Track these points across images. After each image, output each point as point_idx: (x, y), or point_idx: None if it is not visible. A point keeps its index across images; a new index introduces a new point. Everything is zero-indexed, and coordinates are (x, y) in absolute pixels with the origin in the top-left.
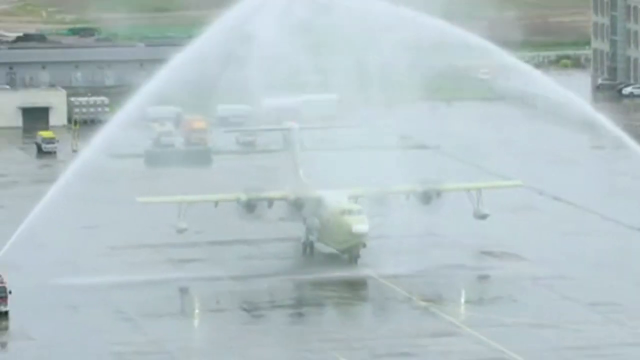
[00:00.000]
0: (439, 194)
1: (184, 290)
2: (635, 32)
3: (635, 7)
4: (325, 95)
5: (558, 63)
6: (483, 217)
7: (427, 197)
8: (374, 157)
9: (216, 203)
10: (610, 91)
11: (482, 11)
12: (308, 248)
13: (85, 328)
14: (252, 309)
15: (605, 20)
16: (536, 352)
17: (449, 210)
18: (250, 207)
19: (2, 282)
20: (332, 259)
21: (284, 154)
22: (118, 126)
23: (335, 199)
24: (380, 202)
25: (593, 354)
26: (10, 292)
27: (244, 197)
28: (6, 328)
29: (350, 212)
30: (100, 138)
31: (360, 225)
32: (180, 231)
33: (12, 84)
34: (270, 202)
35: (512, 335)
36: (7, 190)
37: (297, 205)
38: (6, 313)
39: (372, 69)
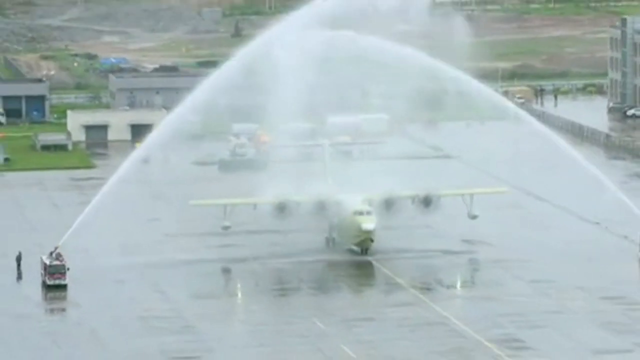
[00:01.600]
0: (438, 198)
1: (213, 270)
2: None
3: None
4: (378, 114)
5: (585, 90)
6: (474, 217)
7: (428, 201)
8: (401, 165)
9: (255, 205)
10: (618, 113)
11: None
12: (330, 242)
13: (122, 298)
14: (261, 286)
15: (618, 55)
16: (474, 319)
17: (447, 211)
18: (281, 208)
19: (61, 261)
20: (347, 251)
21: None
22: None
23: (351, 201)
24: (388, 205)
25: (518, 319)
26: (68, 269)
27: (276, 200)
28: (64, 297)
29: (361, 212)
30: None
31: (368, 224)
32: (225, 228)
33: (132, 106)
34: (298, 204)
35: (460, 306)
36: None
37: (321, 207)
38: (65, 286)
39: (416, 94)
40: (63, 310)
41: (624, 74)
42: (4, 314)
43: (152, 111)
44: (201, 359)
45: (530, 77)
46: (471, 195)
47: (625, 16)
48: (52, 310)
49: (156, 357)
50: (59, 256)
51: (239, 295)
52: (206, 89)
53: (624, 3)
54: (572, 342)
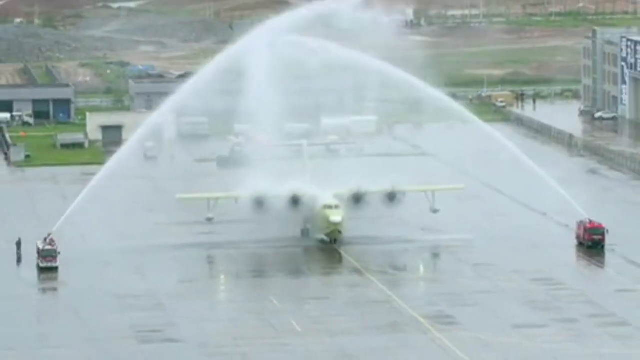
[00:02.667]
0: (402, 193)
1: (194, 255)
2: (609, 72)
3: (609, 54)
4: (367, 117)
5: (562, 95)
6: (435, 211)
7: (393, 196)
8: (380, 162)
9: (236, 199)
10: (588, 115)
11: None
12: (305, 233)
13: (106, 279)
14: (235, 269)
15: (590, 63)
16: (414, 298)
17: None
18: (259, 202)
19: (53, 246)
20: (319, 241)
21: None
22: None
23: (322, 196)
24: (357, 200)
25: (453, 298)
26: (59, 253)
27: (255, 194)
28: (55, 278)
29: (330, 206)
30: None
31: (336, 217)
32: (209, 220)
33: (149, 108)
34: (275, 198)
35: (404, 286)
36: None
37: (296, 201)
38: (56, 268)
39: (403, 98)
40: (54, 289)
41: (594, 81)
42: (5, 291)
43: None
44: (163, 332)
45: (518, 84)
46: (433, 191)
47: (595, 27)
48: (43, 290)
49: (125, 331)
50: (51, 242)
51: (213, 277)
52: (184, 93)
53: (619, 16)
54: (496, 318)
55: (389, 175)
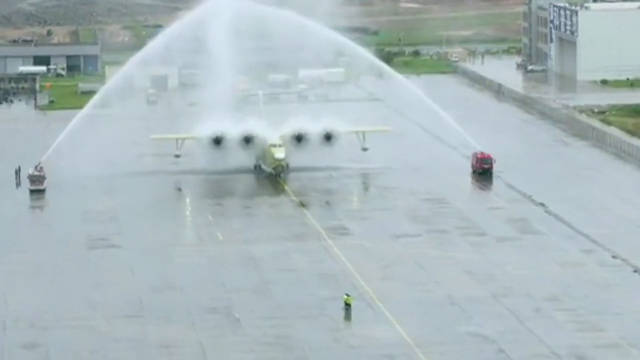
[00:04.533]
0: (338, 134)
1: (160, 181)
2: (541, 33)
3: (541, 17)
4: (337, 69)
5: (508, 51)
6: (365, 149)
7: (329, 136)
8: (337, 106)
9: (199, 139)
10: (523, 68)
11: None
12: (257, 167)
13: (81, 199)
14: (190, 193)
15: (527, 25)
16: (321, 214)
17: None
18: (217, 141)
19: (41, 172)
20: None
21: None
22: None
23: (269, 136)
24: (298, 139)
25: (352, 214)
26: (45, 178)
27: (213, 135)
28: (43, 199)
29: (274, 145)
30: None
31: (279, 154)
32: (177, 156)
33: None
34: (233, 138)
35: (317, 205)
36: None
37: (248, 141)
38: (43, 190)
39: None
40: (40, 207)
41: (530, 39)
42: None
43: (168, 67)
44: (109, 240)
45: (477, 42)
46: (363, 132)
47: None
48: (32, 207)
49: (79, 239)
50: (40, 169)
51: (168, 199)
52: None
53: None
54: (381, 229)
55: (336, 118)
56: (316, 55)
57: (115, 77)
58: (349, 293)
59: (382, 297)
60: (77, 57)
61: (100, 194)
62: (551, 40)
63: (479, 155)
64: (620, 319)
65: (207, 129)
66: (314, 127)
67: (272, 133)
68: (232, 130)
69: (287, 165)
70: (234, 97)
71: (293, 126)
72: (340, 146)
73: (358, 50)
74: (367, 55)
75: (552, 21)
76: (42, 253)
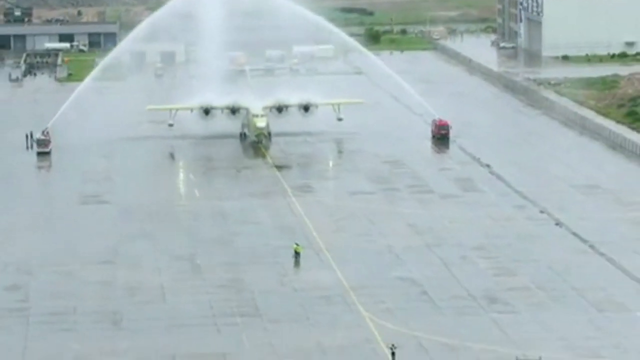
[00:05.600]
0: (315, 106)
1: (155, 145)
2: (512, 13)
3: (513, 0)
4: (327, 45)
5: (486, 30)
6: (340, 119)
7: (307, 107)
8: (323, 79)
9: (191, 109)
10: (496, 46)
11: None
12: (242, 136)
13: (81, 160)
14: (179, 156)
15: (501, 7)
16: (292, 175)
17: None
18: (206, 111)
19: (46, 137)
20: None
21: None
22: None
23: (252, 107)
24: (279, 110)
25: (317, 174)
26: (50, 142)
27: (203, 106)
28: (48, 160)
29: (256, 115)
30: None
31: (261, 123)
32: (170, 125)
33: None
34: (222, 109)
35: (290, 167)
36: None
37: (234, 111)
38: (49, 152)
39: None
40: (46, 167)
41: (503, 19)
42: (7, 169)
43: (176, 44)
44: (100, 197)
45: (462, 22)
46: (338, 104)
47: None
48: (38, 167)
49: (74, 196)
50: (47, 133)
51: (160, 160)
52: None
53: None
54: (341, 188)
55: (319, 90)
56: (304, 33)
57: (111, 53)
58: (298, 243)
59: (330, 247)
60: (98, 34)
61: (99, 156)
62: (520, 20)
63: (438, 122)
64: (534, 265)
65: (198, 100)
66: (293, 99)
67: (256, 104)
68: (220, 101)
69: (269, 134)
70: (228, 71)
71: (275, 98)
72: (318, 116)
73: (334, 29)
74: (342, 35)
75: (521, 3)
76: (39, 207)
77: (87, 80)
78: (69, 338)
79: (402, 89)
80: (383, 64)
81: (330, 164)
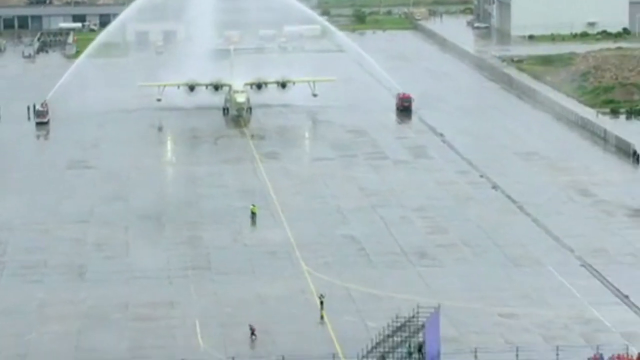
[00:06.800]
0: (292, 83)
1: (143, 116)
2: None
3: None
4: (314, 25)
5: (464, 11)
6: (315, 95)
7: (284, 84)
8: (306, 57)
9: (178, 86)
10: (472, 26)
11: None
12: (225, 110)
13: (74, 130)
14: (166, 127)
15: None
16: (263, 144)
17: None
18: (191, 88)
19: (44, 108)
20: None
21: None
22: None
23: (234, 84)
24: (258, 87)
25: (285, 143)
26: (47, 113)
27: (188, 83)
28: (46, 129)
29: (237, 91)
30: None
31: (240, 98)
32: (158, 100)
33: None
34: (206, 85)
35: (263, 137)
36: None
37: (217, 87)
38: (47, 123)
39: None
40: (43, 136)
41: (479, 2)
42: (10, 136)
43: (176, 23)
44: (86, 162)
45: (442, 4)
46: (314, 81)
47: None
48: (37, 136)
49: (63, 161)
50: (45, 105)
51: (146, 131)
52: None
53: None
54: (306, 154)
55: (300, 67)
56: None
57: (105, 31)
58: (254, 204)
59: (285, 208)
60: (107, 15)
61: (92, 126)
62: (493, 2)
63: (401, 96)
64: (465, 224)
65: (185, 77)
66: (272, 77)
67: (238, 81)
68: (205, 79)
69: (250, 109)
70: (218, 50)
71: (255, 76)
72: (295, 93)
73: (308, 12)
74: (315, 16)
75: None
76: (30, 171)
77: (82, 56)
78: (36, 288)
79: (373, 65)
80: (355, 44)
81: (299, 132)
